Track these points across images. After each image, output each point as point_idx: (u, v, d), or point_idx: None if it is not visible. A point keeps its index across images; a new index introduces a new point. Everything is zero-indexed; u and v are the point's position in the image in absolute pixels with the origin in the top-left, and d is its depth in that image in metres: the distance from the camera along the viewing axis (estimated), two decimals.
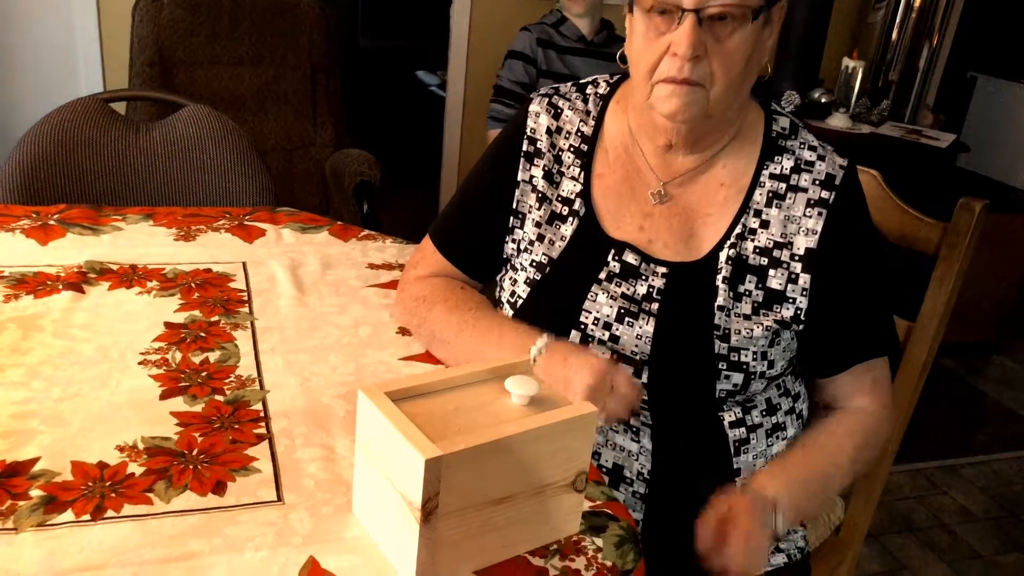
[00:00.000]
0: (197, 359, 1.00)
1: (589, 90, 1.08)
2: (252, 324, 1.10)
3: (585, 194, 1.03)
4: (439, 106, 3.51)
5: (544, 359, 0.85)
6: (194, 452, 0.83)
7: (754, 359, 0.97)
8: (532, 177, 1.05)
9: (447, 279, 1.09)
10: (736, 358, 0.96)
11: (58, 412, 0.87)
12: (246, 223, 1.42)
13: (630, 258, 1.00)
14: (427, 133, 3.71)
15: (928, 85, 3.41)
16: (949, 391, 2.87)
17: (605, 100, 1.06)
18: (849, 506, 1.33)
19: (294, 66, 2.64)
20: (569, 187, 1.04)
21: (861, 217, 1.01)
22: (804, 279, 0.97)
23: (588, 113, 1.06)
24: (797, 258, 0.97)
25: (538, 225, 1.04)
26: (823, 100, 3.07)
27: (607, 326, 0.98)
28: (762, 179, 0.99)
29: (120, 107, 1.94)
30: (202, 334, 1.06)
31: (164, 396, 0.92)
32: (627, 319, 0.98)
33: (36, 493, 0.76)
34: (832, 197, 0.97)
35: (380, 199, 2.52)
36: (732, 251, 0.98)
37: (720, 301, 0.97)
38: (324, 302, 1.18)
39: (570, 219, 1.03)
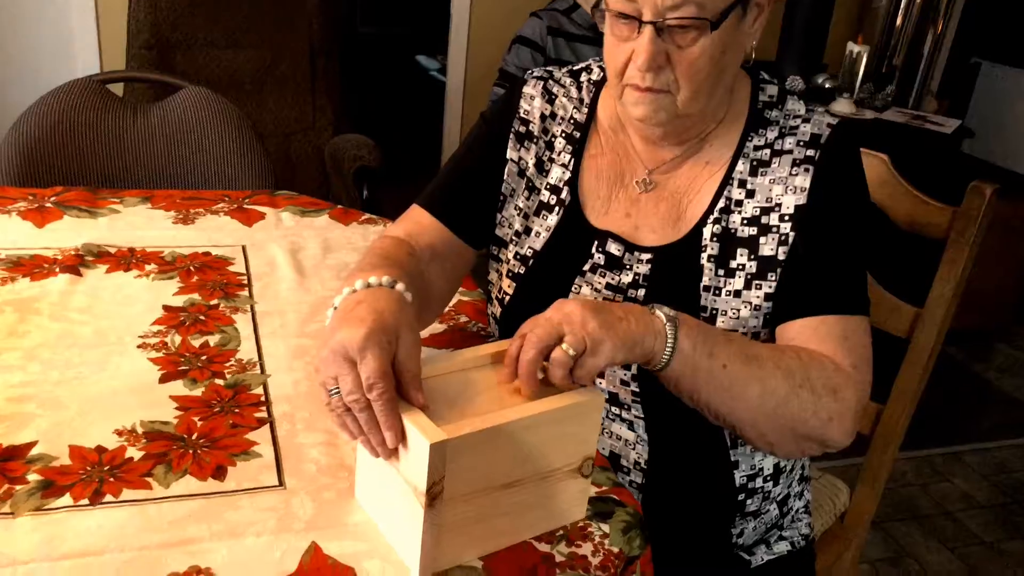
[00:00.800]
0: (197, 343, 0.98)
1: (583, 77, 1.06)
2: (252, 308, 1.08)
3: (572, 183, 1.01)
4: (439, 91, 3.48)
5: (339, 307, 0.76)
6: (194, 436, 0.82)
7: None
8: (521, 159, 1.03)
9: (397, 239, 0.97)
10: None
11: (56, 396, 0.86)
12: (245, 206, 1.41)
13: (613, 248, 0.98)
14: (427, 118, 3.68)
15: (932, 71, 3.39)
16: (952, 378, 2.86)
17: (598, 86, 1.04)
18: (854, 493, 1.32)
19: (294, 49, 2.61)
20: (558, 174, 1.02)
21: (851, 175, 0.95)
22: (793, 239, 0.93)
23: (581, 101, 1.04)
24: (787, 218, 0.93)
25: (525, 216, 1.02)
26: (827, 85, 3.04)
27: None
28: (745, 150, 0.97)
29: (117, 89, 1.92)
30: (201, 317, 1.04)
31: (163, 380, 0.91)
32: None
33: (33, 477, 0.74)
34: (818, 154, 0.93)
35: (380, 185, 2.50)
36: (717, 227, 0.95)
37: (706, 281, 0.94)
38: (325, 286, 1.16)
39: (556, 208, 1.01)
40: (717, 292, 0.94)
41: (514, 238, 1.02)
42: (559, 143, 1.03)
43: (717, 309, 0.93)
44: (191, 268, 1.17)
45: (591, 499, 0.78)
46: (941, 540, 2.09)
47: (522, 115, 1.04)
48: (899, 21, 3.25)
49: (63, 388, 0.87)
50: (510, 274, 1.02)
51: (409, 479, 0.67)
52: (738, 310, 0.93)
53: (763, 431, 0.86)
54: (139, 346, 0.96)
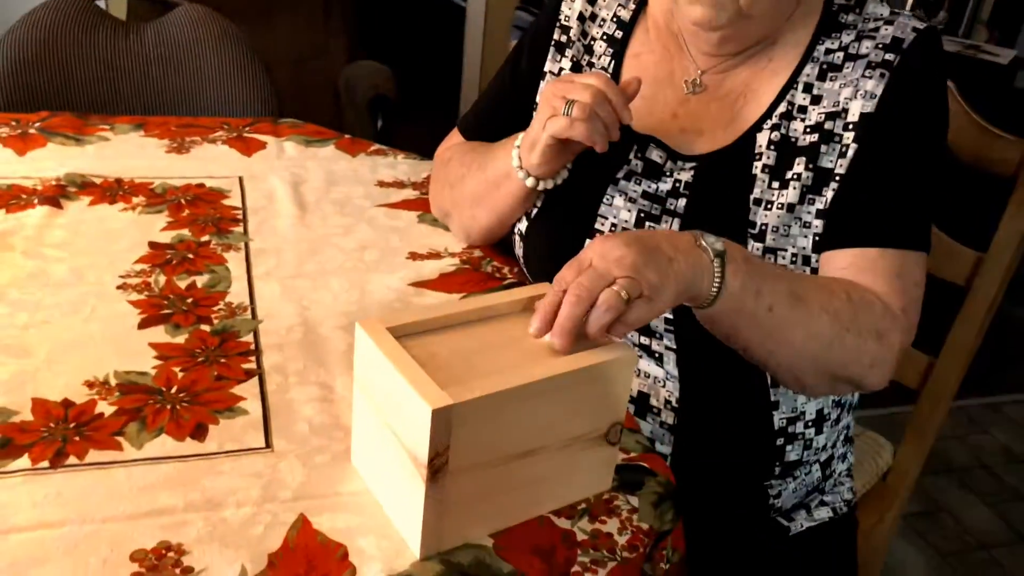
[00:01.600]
0: (183, 283, 0.89)
1: None
2: (246, 245, 0.98)
3: None
4: (460, 16, 3.32)
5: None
6: (173, 389, 0.73)
7: (792, 263, 0.84)
8: (561, 70, 0.95)
9: (473, 143, 1.04)
10: (772, 261, 0.83)
11: (22, 341, 0.77)
12: (245, 135, 1.30)
13: (654, 155, 0.89)
14: (447, 45, 3.53)
15: None
16: (993, 324, 2.74)
17: None
18: (898, 451, 1.23)
19: None
20: None
21: (932, 88, 0.83)
22: (855, 151, 0.82)
23: None
24: (851, 127, 0.82)
25: None
26: None
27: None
28: (815, 54, 0.85)
29: (111, 8, 1.79)
30: (190, 256, 0.95)
31: (143, 325, 0.82)
32: (647, 224, 0.86)
33: None
34: (897, 59, 0.82)
35: (395, 116, 2.38)
36: (775, 134, 0.84)
37: (757, 193, 0.83)
38: (327, 222, 1.06)
39: None
40: (768, 206, 0.83)
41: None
42: (599, 46, 0.94)
43: (767, 224, 0.83)
44: (182, 201, 1.07)
45: (617, 468, 0.69)
46: (979, 495, 2.00)
47: (562, 21, 0.96)
48: None
49: (31, 333, 0.79)
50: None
51: (409, 448, 0.58)
52: (788, 227, 0.83)
53: (799, 373, 0.78)
54: (119, 287, 0.87)
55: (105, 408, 0.70)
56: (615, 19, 0.95)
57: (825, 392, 0.85)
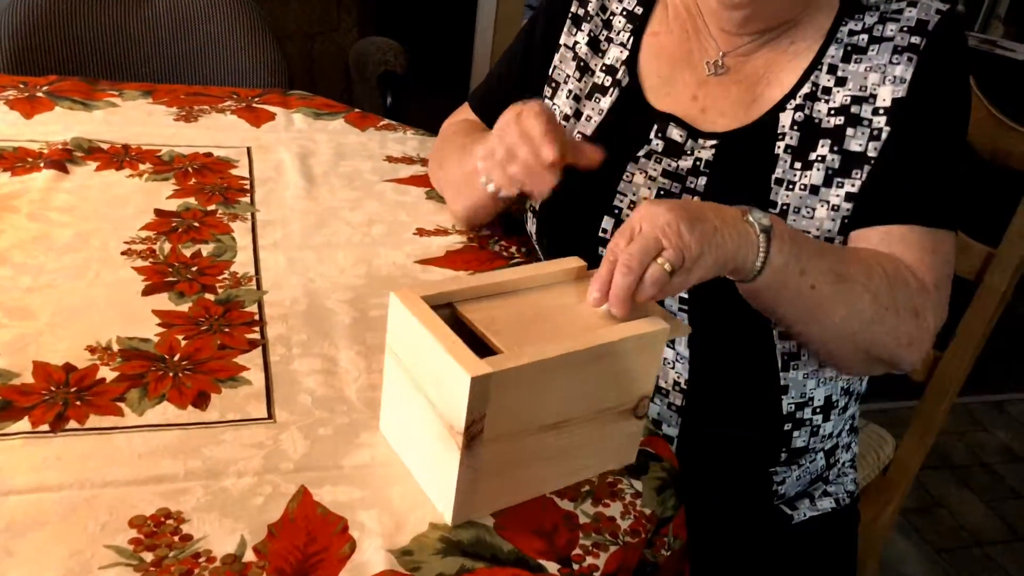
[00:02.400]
0: (188, 251, 0.89)
1: None
2: (253, 216, 0.98)
3: (631, 62, 0.91)
4: None
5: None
6: (176, 357, 0.73)
7: None
8: (576, 44, 0.94)
9: (475, 122, 1.04)
10: None
11: (25, 304, 0.77)
12: (254, 105, 1.29)
13: (675, 134, 0.87)
14: (458, 22, 3.50)
15: None
16: (998, 320, 2.72)
17: None
18: (900, 445, 1.22)
19: None
20: (615, 54, 0.93)
21: (958, 70, 0.84)
22: (888, 135, 0.82)
23: None
24: (882, 111, 0.81)
25: (576, 99, 0.93)
26: None
27: None
28: (839, 35, 0.84)
29: None
30: (196, 224, 0.94)
31: (147, 292, 0.81)
32: None
33: None
34: (923, 43, 0.81)
35: (406, 92, 2.36)
36: (799, 115, 0.83)
37: (779, 173, 0.83)
38: (335, 195, 1.05)
39: (611, 89, 0.91)
40: (791, 186, 0.82)
41: (563, 123, 0.92)
42: (618, 21, 0.93)
43: (789, 205, 0.82)
44: (189, 169, 1.06)
45: None
46: (976, 492, 1.99)
47: None
48: None
49: (34, 296, 0.78)
50: None
51: (445, 415, 0.57)
52: (813, 209, 0.82)
53: (835, 350, 0.79)
54: (124, 252, 0.87)
55: (107, 374, 0.70)
56: None
57: (860, 371, 0.85)
